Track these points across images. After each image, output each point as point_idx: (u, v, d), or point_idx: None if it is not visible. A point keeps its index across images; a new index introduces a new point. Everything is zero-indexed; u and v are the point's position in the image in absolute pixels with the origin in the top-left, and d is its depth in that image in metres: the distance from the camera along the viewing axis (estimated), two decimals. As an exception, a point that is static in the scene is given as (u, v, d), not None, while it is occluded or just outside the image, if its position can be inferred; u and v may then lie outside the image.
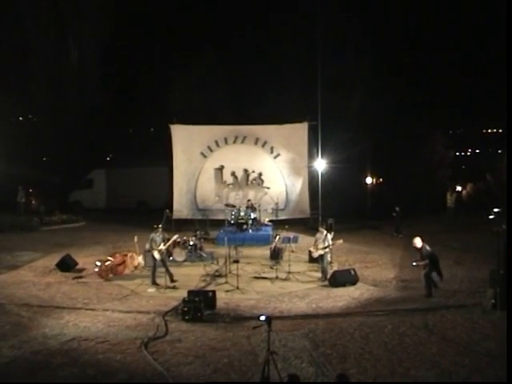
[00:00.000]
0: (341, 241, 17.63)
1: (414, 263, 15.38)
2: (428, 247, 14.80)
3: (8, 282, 16.99)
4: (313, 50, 28.36)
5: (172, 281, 16.50)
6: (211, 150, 27.49)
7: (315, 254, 17.59)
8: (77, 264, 18.80)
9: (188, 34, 39.62)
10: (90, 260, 19.33)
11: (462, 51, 38.66)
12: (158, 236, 16.68)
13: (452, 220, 28.58)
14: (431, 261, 14.63)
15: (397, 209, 25.85)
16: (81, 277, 17.59)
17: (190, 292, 13.83)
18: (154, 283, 16.44)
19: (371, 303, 14.46)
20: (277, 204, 26.28)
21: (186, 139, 27.60)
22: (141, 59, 40.77)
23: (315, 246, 17.46)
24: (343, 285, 16.10)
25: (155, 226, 17.01)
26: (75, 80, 37.90)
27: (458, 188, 35.13)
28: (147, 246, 17.08)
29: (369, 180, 35.50)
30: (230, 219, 24.89)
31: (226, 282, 16.34)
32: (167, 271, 16.62)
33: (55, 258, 19.14)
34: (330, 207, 26.71)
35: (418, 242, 14.81)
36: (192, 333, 11.99)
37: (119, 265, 17.86)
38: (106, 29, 37.08)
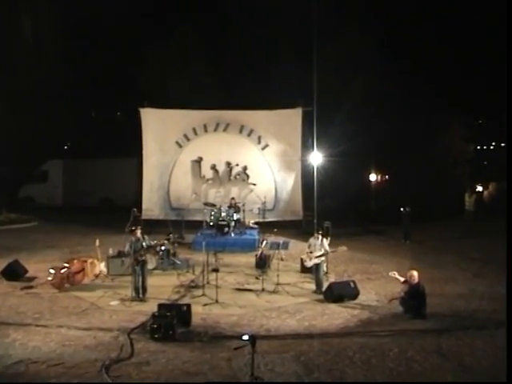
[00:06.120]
0: (344, 248, 17.60)
1: (391, 274, 15.50)
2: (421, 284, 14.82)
3: None
4: (309, 24, 28.29)
5: (139, 295, 16.28)
6: (188, 139, 27.52)
7: (309, 263, 17.52)
8: (27, 271, 18.68)
9: (164, 0, 39.46)
10: (42, 267, 19.18)
11: (486, 30, 38.68)
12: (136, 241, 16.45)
13: (471, 225, 28.75)
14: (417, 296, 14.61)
15: (406, 209, 25.74)
16: (31, 287, 17.43)
17: (160, 306, 13.74)
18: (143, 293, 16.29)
19: (374, 322, 14.45)
20: (264, 203, 26.32)
21: (158, 126, 27.62)
22: (107, 30, 40.47)
23: (309, 253, 17.42)
24: (341, 299, 16.07)
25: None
26: (28, 55, 37.59)
27: (479, 188, 35.35)
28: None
29: (373, 177, 35.63)
30: (208, 220, 24.90)
31: (204, 295, 16.26)
32: (143, 283, 16.39)
33: (1, 265, 18.95)
34: (326, 208, 26.79)
35: (416, 276, 14.78)
36: (162, 354, 11.92)
37: (77, 273, 17.75)
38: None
